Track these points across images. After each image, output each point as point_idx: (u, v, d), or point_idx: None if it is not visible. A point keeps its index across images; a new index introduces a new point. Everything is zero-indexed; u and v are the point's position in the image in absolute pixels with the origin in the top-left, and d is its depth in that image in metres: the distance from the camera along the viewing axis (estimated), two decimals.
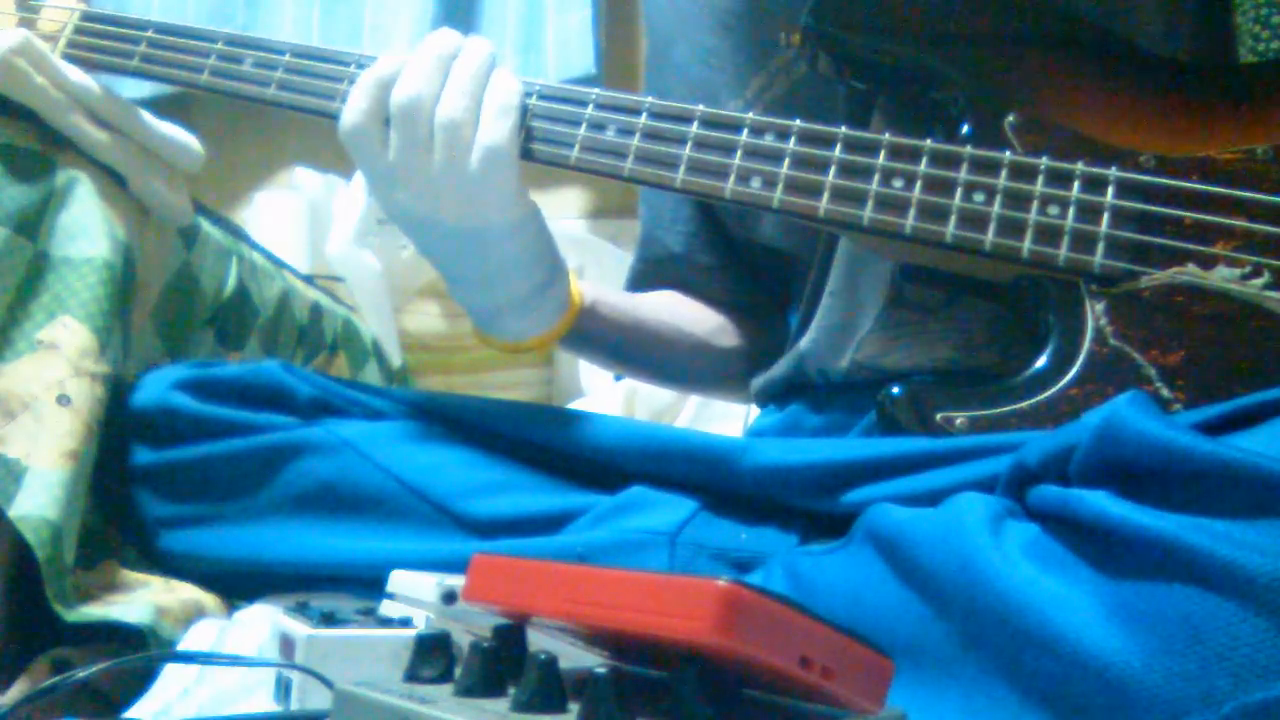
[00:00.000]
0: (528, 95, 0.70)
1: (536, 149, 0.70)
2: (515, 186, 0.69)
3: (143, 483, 0.73)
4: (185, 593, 0.69)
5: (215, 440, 0.72)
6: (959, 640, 0.46)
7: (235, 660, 0.56)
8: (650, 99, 0.69)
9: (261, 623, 0.62)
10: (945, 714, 0.46)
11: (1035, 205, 0.63)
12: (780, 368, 0.79)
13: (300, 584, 0.69)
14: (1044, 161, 0.64)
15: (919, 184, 0.64)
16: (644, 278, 0.93)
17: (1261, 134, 0.61)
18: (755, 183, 0.67)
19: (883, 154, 0.65)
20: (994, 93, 0.66)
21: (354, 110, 0.68)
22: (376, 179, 0.69)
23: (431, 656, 0.38)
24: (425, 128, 0.66)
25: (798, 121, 0.67)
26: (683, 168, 0.68)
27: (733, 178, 0.67)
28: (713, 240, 0.89)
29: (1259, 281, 0.60)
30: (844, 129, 0.66)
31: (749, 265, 0.89)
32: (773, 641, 0.31)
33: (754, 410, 0.85)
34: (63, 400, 0.67)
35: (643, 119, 0.69)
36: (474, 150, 0.66)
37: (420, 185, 0.68)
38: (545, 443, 0.72)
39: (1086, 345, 0.62)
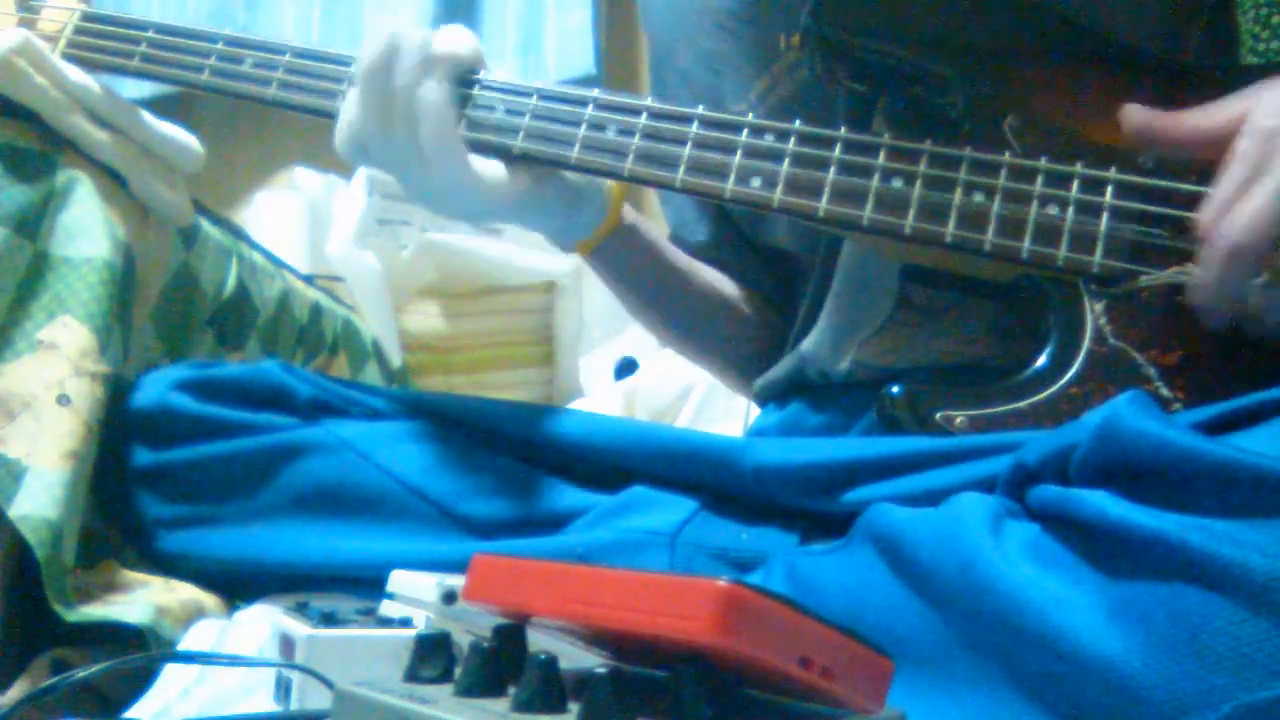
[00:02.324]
0: (527, 96, 0.70)
1: (537, 149, 0.70)
2: (475, 179, 0.70)
3: (142, 483, 0.73)
4: (185, 593, 0.69)
5: (215, 441, 0.72)
6: (959, 640, 0.46)
7: (235, 660, 0.56)
8: (650, 99, 0.69)
9: (261, 623, 0.62)
10: (945, 714, 0.46)
11: (1034, 205, 0.63)
12: (781, 368, 0.79)
13: (300, 584, 0.69)
14: (1043, 163, 0.64)
15: (919, 184, 0.64)
16: None
17: None
18: (755, 182, 0.67)
19: (882, 154, 0.65)
20: (993, 94, 0.66)
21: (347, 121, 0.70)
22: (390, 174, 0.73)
23: (431, 656, 0.38)
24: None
25: (798, 123, 0.67)
26: (683, 167, 0.68)
27: (733, 177, 0.67)
28: (735, 244, 0.89)
29: (1258, 282, 0.60)
30: (844, 130, 0.66)
31: (771, 268, 0.89)
32: (773, 641, 0.31)
33: (754, 410, 0.85)
34: (63, 400, 0.67)
35: (643, 119, 0.69)
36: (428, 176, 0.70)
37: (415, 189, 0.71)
38: (545, 443, 0.72)
39: (1086, 345, 0.62)
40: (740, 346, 0.90)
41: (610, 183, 0.78)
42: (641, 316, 0.91)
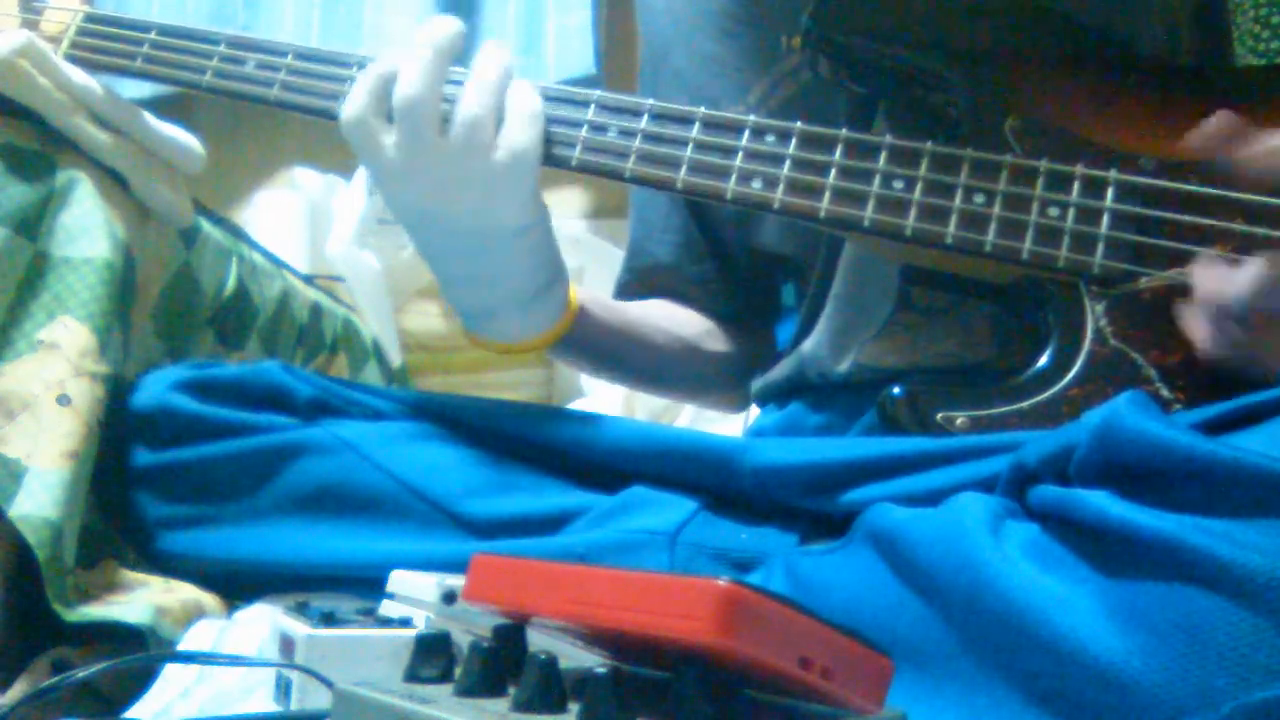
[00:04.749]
0: None
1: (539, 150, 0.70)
2: (534, 190, 0.69)
3: (142, 483, 0.73)
4: (185, 593, 0.69)
5: (215, 441, 0.72)
6: (959, 640, 0.46)
7: (235, 660, 0.56)
8: (652, 100, 0.69)
9: (261, 623, 0.62)
10: (945, 714, 0.46)
11: (1035, 207, 0.63)
12: (781, 369, 0.79)
13: (300, 584, 0.69)
14: (1044, 164, 0.64)
15: (920, 186, 0.64)
16: (631, 288, 0.92)
17: None
18: (756, 184, 0.67)
19: (883, 156, 0.65)
20: (994, 96, 0.66)
21: (353, 105, 0.67)
22: (380, 174, 0.69)
23: (431, 656, 0.38)
24: (431, 124, 0.66)
25: (799, 124, 0.67)
26: (684, 168, 0.68)
27: (734, 178, 0.67)
28: (703, 251, 0.89)
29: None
30: (845, 131, 0.66)
31: (740, 275, 0.89)
32: (773, 641, 0.31)
33: (754, 410, 0.85)
34: (63, 400, 0.67)
35: (644, 120, 0.69)
36: (498, 150, 0.66)
37: (431, 182, 0.67)
38: (545, 443, 0.72)
39: (1087, 345, 0.62)
40: (715, 381, 0.90)
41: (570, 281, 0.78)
42: (609, 381, 0.90)
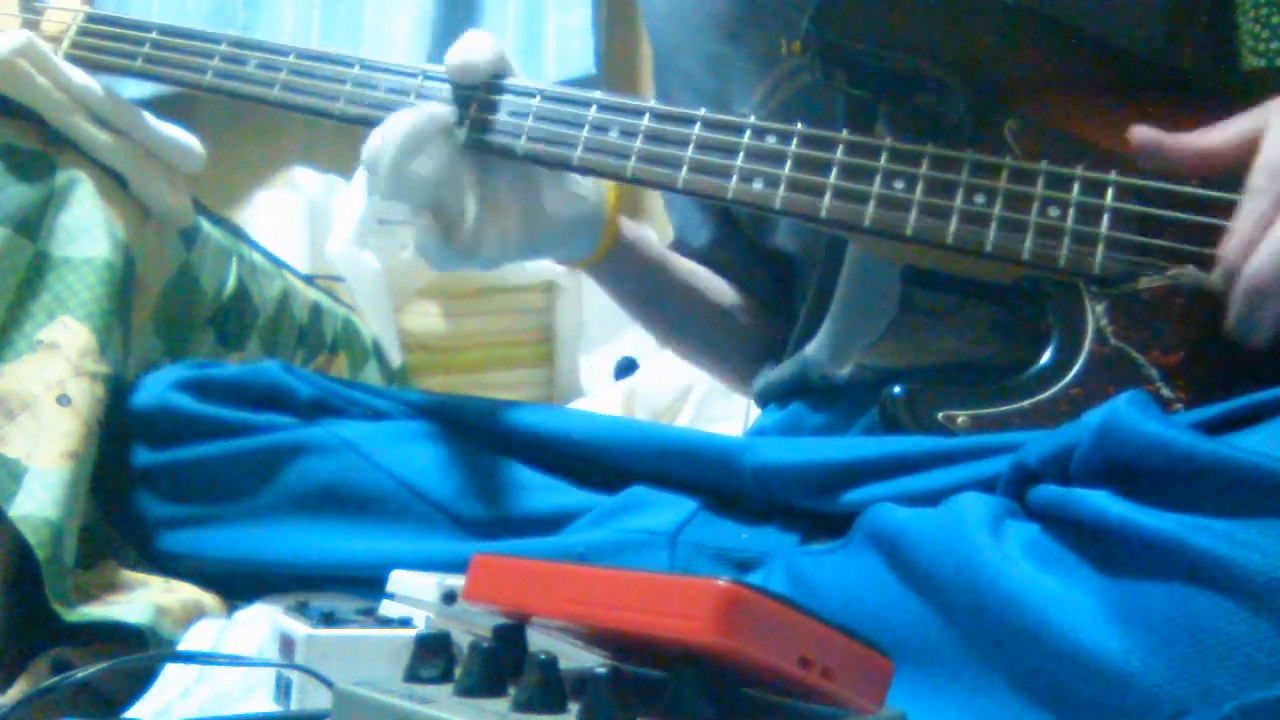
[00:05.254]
0: (531, 96, 0.70)
1: (540, 150, 0.70)
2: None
3: (142, 483, 0.73)
4: (185, 593, 0.69)
5: (215, 440, 0.72)
6: (959, 640, 0.46)
7: (235, 660, 0.56)
8: (652, 101, 0.69)
9: (261, 623, 0.62)
10: (945, 714, 0.46)
11: (1035, 207, 0.63)
12: (783, 371, 0.79)
13: (300, 584, 0.69)
14: (1044, 165, 0.64)
15: (920, 186, 0.64)
16: None
17: None
18: (758, 184, 0.67)
19: (884, 157, 0.65)
20: (994, 99, 0.66)
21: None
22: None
23: (431, 656, 0.38)
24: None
25: (800, 124, 0.67)
26: (685, 168, 0.68)
27: (735, 178, 0.67)
28: (737, 247, 0.89)
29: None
30: (845, 132, 0.66)
31: (770, 270, 0.89)
32: (772, 641, 0.31)
33: (754, 410, 0.85)
34: (63, 400, 0.67)
35: (645, 120, 0.69)
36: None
37: None
38: (545, 443, 0.72)
39: (1087, 345, 0.62)
40: (738, 353, 0.90)
41: (608, 200, 0.79)
42: (640, 322, 0.91)
